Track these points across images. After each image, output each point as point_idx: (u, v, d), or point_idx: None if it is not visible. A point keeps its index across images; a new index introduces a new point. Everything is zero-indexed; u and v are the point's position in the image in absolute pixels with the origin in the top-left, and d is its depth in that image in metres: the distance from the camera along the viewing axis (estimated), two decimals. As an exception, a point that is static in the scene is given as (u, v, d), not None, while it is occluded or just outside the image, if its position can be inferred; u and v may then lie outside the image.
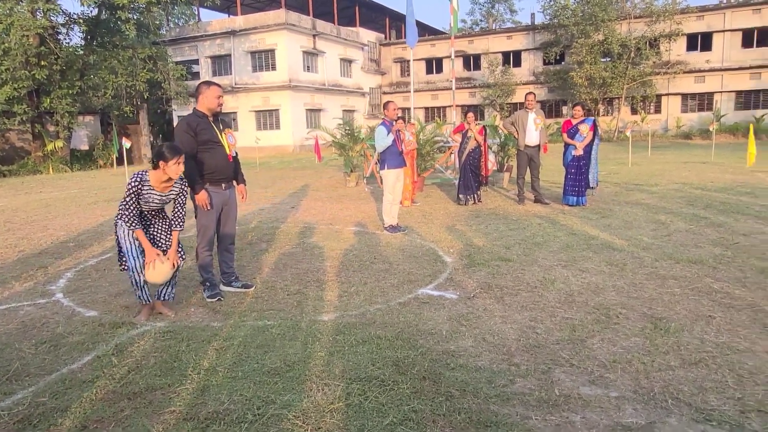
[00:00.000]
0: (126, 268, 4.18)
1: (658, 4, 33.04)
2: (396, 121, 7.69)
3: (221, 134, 4.68)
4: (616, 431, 2.59)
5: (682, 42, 34.74)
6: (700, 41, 34.90)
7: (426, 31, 47.76)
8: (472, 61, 41.72)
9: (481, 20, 61.40)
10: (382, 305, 4.46)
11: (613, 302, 4.35)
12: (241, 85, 34.88)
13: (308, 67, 35.83)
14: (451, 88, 16.34)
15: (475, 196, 9.60)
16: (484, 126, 10.04)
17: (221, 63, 36.11)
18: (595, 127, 9.14)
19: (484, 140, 9.64)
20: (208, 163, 4.57)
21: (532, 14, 40.97)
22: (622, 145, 23.20)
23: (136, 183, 4.00)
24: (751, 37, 33.84)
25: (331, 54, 37.47)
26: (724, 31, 34.10)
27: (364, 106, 41.51)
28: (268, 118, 34.94)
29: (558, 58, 37.10)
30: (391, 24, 45.24)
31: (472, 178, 9.55)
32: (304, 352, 3.54)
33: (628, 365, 3.27)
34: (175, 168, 3.97)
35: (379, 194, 10.71)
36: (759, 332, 3.69)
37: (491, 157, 12.30)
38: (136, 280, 4.16)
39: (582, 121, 9.06)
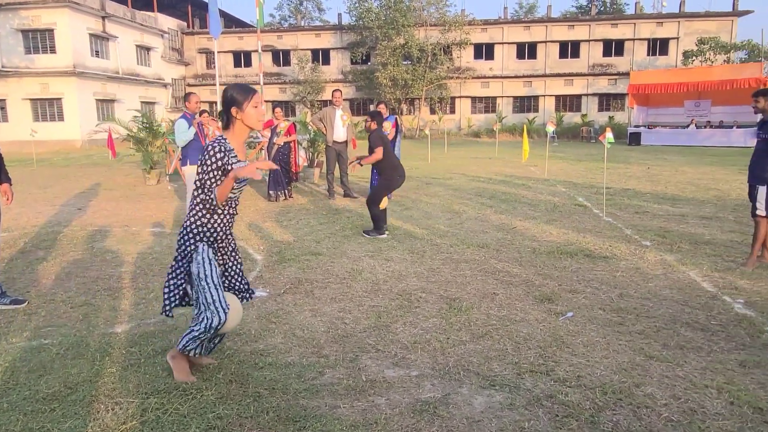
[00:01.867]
0: (210, 321, 2.82)
1: (450, 15, 36.48)
2: (200, 114, 7.25)
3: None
4: (416, 407, 2.75)
5: (471, 50, 38.83)
6: (485, 51, 39.40)
7: (233, 23, 46.11)
8: (281, 57, 41.42)
9: (289, 16, 61.28)
10: (186, 309, 4.14)
11: (414, 287, 4.65)
12: (11, 69, 29.81)
13: (97, 52, 32.03)
14: (260, 83, 15.99)
15: (286, 192, 9.53)
16: (293, 123, 10.02)
17: (-18, 41, 30.44)
18: (397, 124, 9.70)
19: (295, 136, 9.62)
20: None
21: (339, 14, 42.16)
22: (423, 142, 25.12)
23: (221, 153, 2.72)
24: (523, 50, 39.21)
25: (125, 39, 34.00)
26: (503, 43, 38.95)
27: (166, 98, 38.55)
28: (48, 108, 30.41)
29: (364, 58, 38.77)
30: (194, 12, 42.64)
31: (282, 174, 9.46)
32: (92, 371, 3.13)
33: (427, 345, 3.51)
34: (255, 113, 2.85)
35: (184, 192, 10.03)
36: (531, 303, 4.25)
37: (301, 153, 12.35)
38: (212, 324, 2.82)
39: (385, 119, 9.54)
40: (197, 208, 2.85)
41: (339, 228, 7.16)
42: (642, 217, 7.83)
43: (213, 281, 2.82)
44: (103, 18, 32.07)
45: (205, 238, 2.86)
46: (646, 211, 8.23)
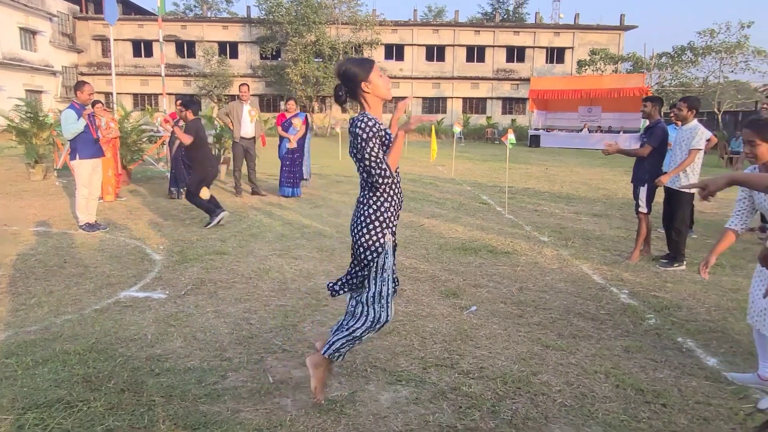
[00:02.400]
0: (378, 315, 2.61)
1: (361, 14, 36.63)
2: (93, 106, 6.74)
3: None
4: (323, 407, 2.71)
5: (381, 50, 39.23)
6: (395, 52, 39.98)
7: (132, 10, 43.37)
8: (186, 48, 39.57)
9: (195, 6, 58.65)
10: (73, 315, 3.83)
11: (323, 286, 4.59)
12: None
13: (-27, 33, 28.90)
14: (161, 74, 15.18)
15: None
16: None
17: None
18: (307, 121, 9.58)
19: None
20: None
21: (248, 7, 40.78)
22: (334, 141, 25.02)
23: (371, 121, 2.51)
24: (432, 53, 40.23)
25: (6, 21, 30.91)
26: (413, 45, 39.73)
27: (55, 87, 35.53)
28: None
29: (274, 53, 37.96)
30: (88, -5, 39.69)
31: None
32: (-43, 387, 2.79)
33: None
34: (383, 82, 2.60)
35: (73, 189, 9.29)
36: (437, 299, 4.35)
37: (207, 149, 11.85)
38: (380, 319, 2.63)
39: (295, 115, 9.39)
40: (377, 195, 2.56)
41: (246, 226, 6.93)
42: (540, 214, 8.28)
43: (391, 274, 2.63)
44: (-20, -4, 28.99)
45: (389, 227, 2.60)
46: (544, 209, 8.71)
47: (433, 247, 6.01)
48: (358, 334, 2.63)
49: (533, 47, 40.12)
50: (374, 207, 2.55)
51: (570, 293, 4.57)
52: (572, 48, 39.98)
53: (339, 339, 2.66)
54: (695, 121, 5.41)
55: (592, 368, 3.19)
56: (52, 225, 6.88)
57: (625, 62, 35.74)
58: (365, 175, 2.54)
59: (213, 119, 12.29)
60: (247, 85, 9.44)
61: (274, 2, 35.29)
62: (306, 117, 9.60)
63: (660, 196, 5.71)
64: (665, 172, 5.57)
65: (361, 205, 2.59)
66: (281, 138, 9.38)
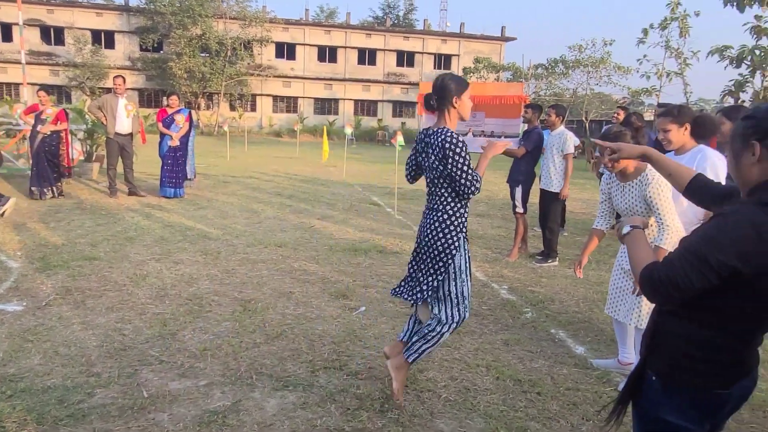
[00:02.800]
0: (462, 315, 2.76)
1: (250, 10, 35.59)
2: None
3: None
4: (203, 419, 2.56)
5: (272, 49, 38.41)
6: (287, 50, 39.33)
7: (-14, -12, 38.67)
8: (53, 34, 36.00)
9: (63, -11, 53.60)
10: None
11: (206, 291, 4.37)
12: None
13: None
14: (22, 62, 13.69)
15: (54, 188, 8.25)
16: (64, 109, 8.73)
17: None
18: (190, 118, 9.09)
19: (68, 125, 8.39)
20: None
21: (126, -6, 38.08)
22: (222, 140, 24.06)
23: (464, 144, 2.66)
24: (324, 54, 40.11)
25: None
26: (304, 44, 39.33)
27: None
28: None
29: (156, 45, 35.69)
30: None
31: (49, 167, 8.16)
32: None
33: (218, 350, 3.31)
34: (469, 105, 2.80)
35: None
36: (327, 300, 4.30)
37: (77, 146, 10.86)
38: (463, 318, 2.78)
39: (177, 111, 8.88)
40: (458, 202, 2.72)
41: (121, 229, 6.42)
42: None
43: (468, 275, 2.77)
44: None
45: (463, 231, 2.76)
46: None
47: (324, 249, 5.96)
48: (442, 338, 2.76)
49: (422, 53, 41.44)
50: (451, 212, 2.72)
51: (455, 290, 4.73)
52: (458, 55, 41.83)
53: (427, 346, 2.74)
54: (563, 127, 5.86)
55: (475, 362, 3.31)
56: None
57: (505, 71, 38.05)
58: (447, 185, 2.70)
59: (84, 113, 11.27)
60: (123, 77, 8.79)
61: (155, -9, 33.24)
62: (190, 113, 9.12)
63: (535, 197, 6.12)
64: (536, 176, 6.00)
65: (436, 212, 2.74)
66: (162, 135, 8.82)
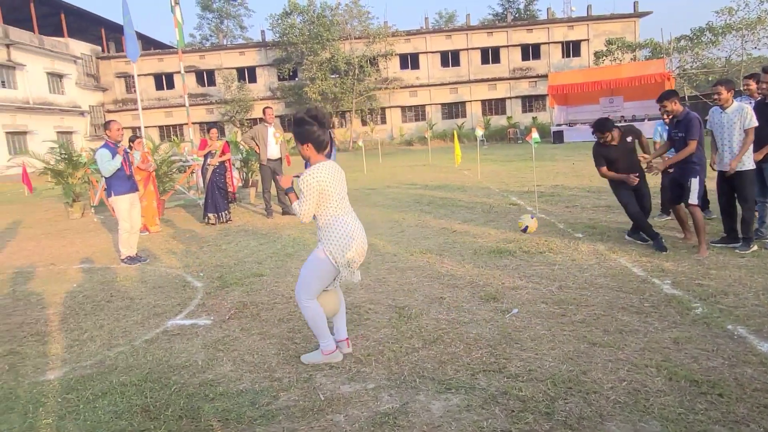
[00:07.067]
0: None
1: (373, 28, 36.99)
2: (133, 141, 7.00)
3: None
4: (376, 420, 2.74)
5: (397, 61, 39.48)
6: (410, 61, 40.17)
7: (151, 45, 44.68)
8: (206, 77, 40.51)
9: (211, 35, 60.07)
10: (125, 347, 3.95)
11: (362, 300, 4.64)
12: None
13: (3, 82, 30.15)
14: (185, 105, 15.58)
15: (223, 214, 9.28)
16: (227, 142, 9.81)
17: None
18: (331, 138, 9.68)
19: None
20: None
21: (263, 31, 41.63)
22: (357, 154, 25.19)
23: None
24: (447, 58, 40.28)
25: (34, 67, 32.17)
26: (427, 52, 39.87)
27: (84, 127, 36.72)
28: (-48, 145, 28.30)
29: (291, 74, 38.55)
30: (109, 35, 40.99)
31: (219, 195, 9.21)
32: (24, 425, 2.91)
33: (380, 356, 3.50)
34: None
35: (112, 223, 9.58)
36: (478, 304, 4.34)
37: (235, 173, 12.10)
38: None
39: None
40: None
41: (281, 247, 7.04)
42: (572, 210, 8.19)
43: None
44: (8, 46, 30.26)
45: None
46: (575, 205, 8.61)
47: (468, 252, 6.00)
48: None
49: (548, 43, 39.83)
50: None
51: (611, 288, 4.51)
52: (587, 40, 39.54)
53: None
54: (736, 102, 5.32)
55: (643, 362, 3.14)
56: (94, 261, 7.10)
57: (642, 49, 35.16)
58: None
59: (238, 144, 12.55)
60: (272, 108, 9.67)
61: (287, 24, 35.92)
62: (330, 134, 9.71)
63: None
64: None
65: None
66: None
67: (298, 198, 3.21)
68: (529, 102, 40.29)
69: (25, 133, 30.67)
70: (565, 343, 3.49)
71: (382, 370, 3.30)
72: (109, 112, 39.24)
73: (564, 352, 3.35)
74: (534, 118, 36.82)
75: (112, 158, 6.45)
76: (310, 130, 3.25)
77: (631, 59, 34.81)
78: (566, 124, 29.32)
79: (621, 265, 5.15)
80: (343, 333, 3.61)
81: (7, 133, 29.55)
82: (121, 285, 5.76)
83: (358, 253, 3.34)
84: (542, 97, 38.33)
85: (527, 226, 6.34)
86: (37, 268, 6.92)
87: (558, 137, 27.93)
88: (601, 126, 5.70)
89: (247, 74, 40.30)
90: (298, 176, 3.23)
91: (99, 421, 2.88)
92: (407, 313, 4.21)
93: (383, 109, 39.80)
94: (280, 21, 36.63)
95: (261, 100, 38.62)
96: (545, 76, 35.50)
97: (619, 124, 6.03)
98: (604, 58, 34.61)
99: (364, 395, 3.01)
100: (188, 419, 2.85)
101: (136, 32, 14.01)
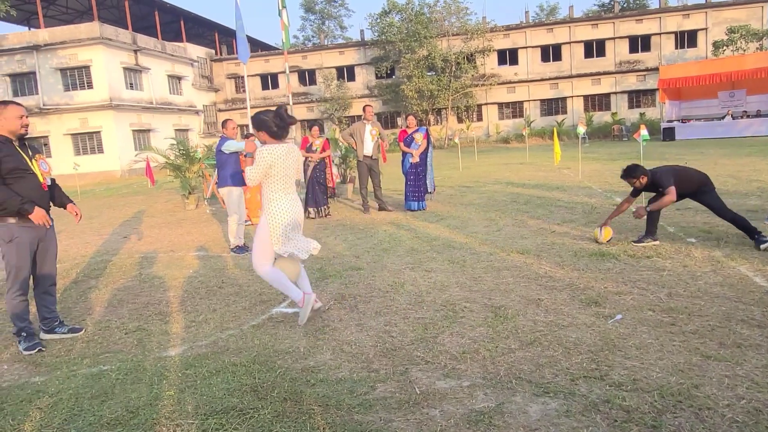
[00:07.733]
0: None
1: (471, 24, 36.54)
2: (247, 137, 7.47)
3: (31, 161, 4.10)
4: (471, 418, 2.75)
5: (494, 57, 38.73)
6: (509, 56, 39.23)
7: (259, 47, 47.19)
8: (307, 76, 42.12)
9: (313, 36, 62.34)
10: (235, 330, 4.26)
11: (457, 297, 4.65)
12: (52, 106, 31.15)
13: (132, 84, 33.24)
14: (288, 104, 16.31)
15: (323, 209, 9.65)
16: (327, 139, 10.18)
17: (24, 81, 31.86)
18: (428, 136, 9.75)
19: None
20: (18, 194, 3.97)
21: (362, 31, 42.62)
22: (453, 152, 25.08)
23: None
24: (548, 53, 38.88)
25: (157, 70, 35.19)
26: (526, 47, 38.73)
27: (198, 125, 39.61)
28: (88, 142, 31.64)
29: (389, 72, 39.10)
30: (222, 39, 43.91)
31: (319, 191, 9.59)
32: (150, 395, 3.24)
33: (475, 354, 3.50)
34: None
35: (222, 215, 10.28)
36: (578, 307, 4.20)
37: (334, 170, 12.50)
38: None
39: (416, 130, 9.61)
40: None
41: (377, 242, 7.21)
42: (684, 213, 7.65)
43: None
44: (136, 51, 33.28)
45: None
46: (687, 207, 8.01)
47: (568, 254, 5.80)
48: None
49: (659, 34, 37.19)
50: None
51: (728, 298, 4.18)
52: (705, 29, 36.45)
53: None
54: None
55: (765, 381, 2.89)
56: (208, 249, 7.68)
57: (771, 37, 31.87)
58: None
59: (337, 141, 12.95)
60: (371, 106, 9.88)
61: (386, 23, 36.41)
62: (427, 131, 9.78)
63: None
64: None
65: None
66: (404, 154, 9.64)
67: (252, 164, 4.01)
68: (637, 97, 37.89)
69: (148, 130, 33.64)
70: (675, 354, 3.29)
71: (477, 368, 3.30)
72: (220, 111, 41.99)
73: (673, 364, 3.16)
74: (642, 114, 34.60)
75: (237, 143, 7.08)
76: (265, 120, 4.00)
77: (757, 48, 31.65)
78: (678, 120, 27.28)
79: (741, 274, 4.75)
80: (307, 288, 4.34)
81: (133, 130, 32.58)
82: (231, 272, 6.18)
83: (291, 225, 4.09)
84: (651, 91, 35.94)
85: (599, 237, 6.13)
86: (159, 253, 7.60)
87: (668, 134, 26.05)
88: (631, 172, 5.92)
89: (346, 73, 41.38)
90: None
91: (214, 396, 3.14)
92: (503, 313, 4.16)
93: (479, 105, 39.24)
94: (378, 20, 37.23)
95: (359, 98, 39.51)
96: (655, 69, 33.23)
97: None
98: (725, 48, 31.75)
99: (459, 392, 3.03)
100: (292, 402, 3.02)
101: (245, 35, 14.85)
